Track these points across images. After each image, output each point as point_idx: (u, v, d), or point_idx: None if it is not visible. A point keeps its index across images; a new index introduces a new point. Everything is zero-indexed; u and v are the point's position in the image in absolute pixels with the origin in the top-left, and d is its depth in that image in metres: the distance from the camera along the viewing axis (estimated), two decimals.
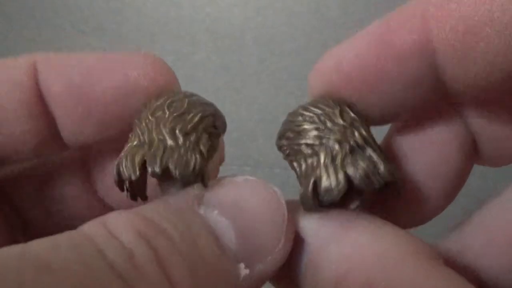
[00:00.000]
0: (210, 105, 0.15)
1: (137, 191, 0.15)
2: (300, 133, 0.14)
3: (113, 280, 0.10)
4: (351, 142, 0.14)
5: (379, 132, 0.16)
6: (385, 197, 0.15)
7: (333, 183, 0.13)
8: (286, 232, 0.13)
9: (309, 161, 0.14)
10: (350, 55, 0.14)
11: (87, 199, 0.18)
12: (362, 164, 0.13)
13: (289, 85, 0.54)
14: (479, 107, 0.15)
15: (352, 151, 0.14)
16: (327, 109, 0.14)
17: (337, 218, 0.13)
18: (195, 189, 0.13)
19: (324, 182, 0.13)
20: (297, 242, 0.14)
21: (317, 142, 0.14)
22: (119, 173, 0.14)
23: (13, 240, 0.17)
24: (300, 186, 0.14)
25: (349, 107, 0.15)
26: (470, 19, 0.12)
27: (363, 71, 0.14)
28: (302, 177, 0.14)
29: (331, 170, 0.13)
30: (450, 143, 0.15)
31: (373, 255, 0.12)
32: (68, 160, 0.18)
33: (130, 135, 0.15)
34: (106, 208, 0.18)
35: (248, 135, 0.53)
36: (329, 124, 0.14)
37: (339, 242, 0.13)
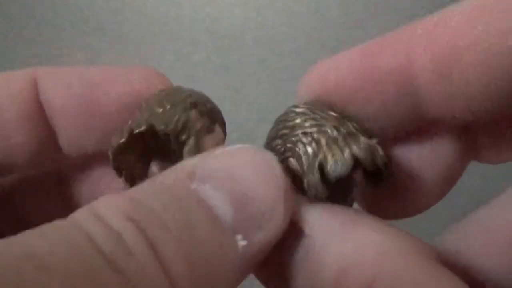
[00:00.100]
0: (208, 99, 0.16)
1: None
2: (295, 127, 0.15)
3: (102, 265, 0.10)
4: (347, 129, 0.14)
5: None
6: (375, 185, 0.15)
7: (340, 159, 0.13)
8: (284, 196, 0.13)
9: (309, 149, 0.14)
10: (333, 72, 0.15)
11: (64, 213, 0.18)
12: (364, 141, 0.14)
13: (289, 85, 0.53)
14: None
15: (349, 134, 0.14)
16: (317, 105, 0.15)
17: (340, 215, 0.13)
18: (185, 164, 0.13)
19: (330, 161, 0.13)
20: (293, 235, 0.14)
21: (314, 129, 0.14)
22: (113, 152, 0.14)
23: None
24: (303, 178, 0.14)
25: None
26: (451, 46, 0.13)
27: (345, 88, 0.15)
28: (304, 166, 0.14)
29: (335, 149, 0.13)
30: (444, 139, 0.16)
31: (375, 254, 0.12)
32: (42, 176, 0.19)
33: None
34: None
35: (248, 135, 0.53)
36: (322, 114, 0.14)
37: (341, 239, 0.13)
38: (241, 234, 0.12)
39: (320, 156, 0.13)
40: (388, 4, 0.54)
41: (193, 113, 0.14)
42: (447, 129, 0.15)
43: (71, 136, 0.16)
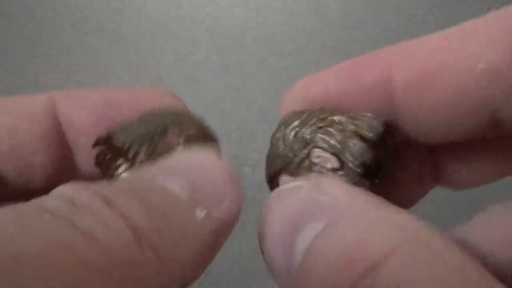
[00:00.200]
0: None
1: None
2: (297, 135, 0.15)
3: (50, 220, 0.11)
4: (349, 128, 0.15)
5: None
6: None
7: (369, 121, 0.14)
8: (232, 180, 0.14)
9: (333, 130, 0.15)
10: (317, 86, 0.16)
11: None
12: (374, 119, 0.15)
13: (289, 85, 0.53)
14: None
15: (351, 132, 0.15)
16: (307, 119, 0.16)
17: (365, 194, 0.14)
18: (150, 168, 0.14)
19: (363, 124, 0.14)
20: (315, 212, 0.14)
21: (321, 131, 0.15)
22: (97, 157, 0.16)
23: None
24: (339, 155, 0.14)
25: None
26: (424, 68, 0.14)
27: (328, 101, 0.15)
28: (337, 145, 0.14)
29: (357, 120, 0.15)
30: (411, 161, 0.16)
31: (395, 228, 0.12)
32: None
33: None
34: None
35: (248, 135, 0.53)
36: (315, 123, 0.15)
37: (360, 217, 0.13)
38: (199, 209, 0.14)
39: (349, 127, 0.14)
40: (388, 4, 0.54)
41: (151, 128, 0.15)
42: (414, 151, 0.16)
43: (89, 156, 0.17)
